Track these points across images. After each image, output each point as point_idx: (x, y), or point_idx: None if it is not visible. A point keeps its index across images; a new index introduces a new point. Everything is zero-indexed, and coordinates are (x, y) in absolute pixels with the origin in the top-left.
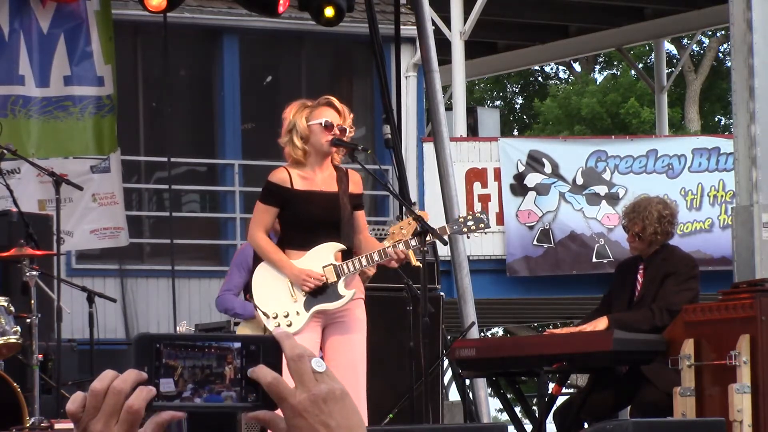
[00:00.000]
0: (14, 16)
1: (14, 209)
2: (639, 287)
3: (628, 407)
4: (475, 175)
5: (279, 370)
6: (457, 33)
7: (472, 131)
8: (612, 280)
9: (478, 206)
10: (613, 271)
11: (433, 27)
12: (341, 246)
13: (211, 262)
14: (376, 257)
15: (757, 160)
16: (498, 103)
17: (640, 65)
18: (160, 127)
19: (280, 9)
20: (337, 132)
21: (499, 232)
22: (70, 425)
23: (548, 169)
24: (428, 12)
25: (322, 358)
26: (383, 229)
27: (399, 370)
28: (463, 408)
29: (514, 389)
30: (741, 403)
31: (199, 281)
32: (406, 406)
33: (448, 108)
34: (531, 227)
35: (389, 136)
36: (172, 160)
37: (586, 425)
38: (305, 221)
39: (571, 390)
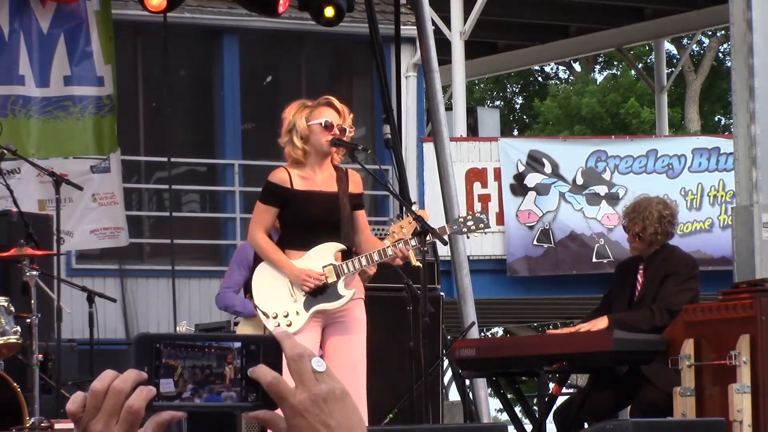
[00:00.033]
0: (14, 16)
1: (14, 209)
2: (639, 287)
3: (628, 407)
4: (475, 175)
5: (279, 370)
6: (457, 33)
7: (472, 131)
8: (612, 280)
9: (478, 206)
10: (613, 271)
11: (433, 27)
12: (341, 246)
13: (211, 262)
14: (375, 257)
15: (757, 160)
16: (498, 103)
17: (640, 65)
18: (160, 127)
19: (280, 9)
20: (337, 132)
21: (499, 232)
22: (70, 425)
23: (548, 169)
24: (428, 12)
25: (321, 357)
26: (383, 229)
27: (399, 370)
28: (463, 408)
29: (514, 389)
30: (741, 403)
31: (199, 281)
32: (406, 406)
33: (448, 108)
34: (531, 227)
35: (389, 136)
36: (172, 160)
37: (586, 425)
38: (305, 221)
39: (571, 390)
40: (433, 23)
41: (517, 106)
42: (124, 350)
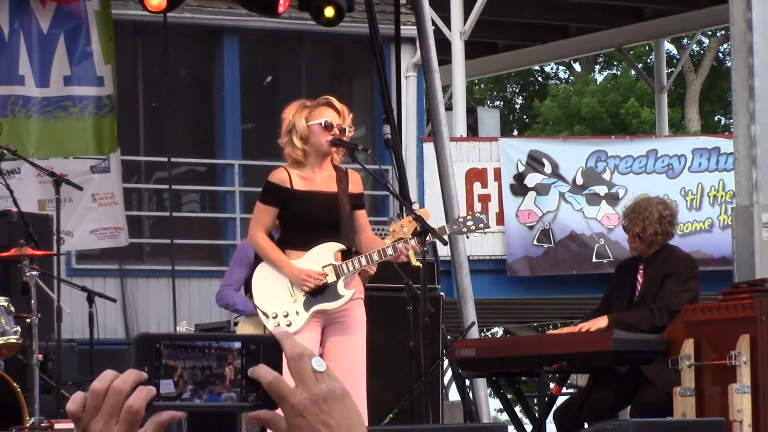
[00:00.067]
0: (14, 16)
1: (14, 209)
2: (639, 287)
3: (628, 407)
4: (475, 175)
5: (279, 370)
6: (457, 33)
7: (472, 131)
8: (612, 280)
9: (478, 206)
10: (613, 271)
11: (433, 27)
12: (341, 246)
13: (211, 262)
14: (375, 257)
15: (757, 160)
16: (498, 103)
17: (640, 65)
18: (160, 127)
19: (280, 9)
20: (337, 132)
21: (499, 232)
22: (70, 425)
23: (548, 169)
24: (428, 12)
25: (321, 356)
26: (383, 229)
27: (399, 370)
28: (463, 408)
29: (514, 389)
30: (741, 403)
31: (199, 281)
32: (406, 406)
33: (448, 108)
34: (531, 227)
35: (389, 136)
36: (172, 160)
37: (586, 425)
38: (305, 221)
39: (571, 390)
40: (433, 23)
41: (517, 106)
42: (124, 350)
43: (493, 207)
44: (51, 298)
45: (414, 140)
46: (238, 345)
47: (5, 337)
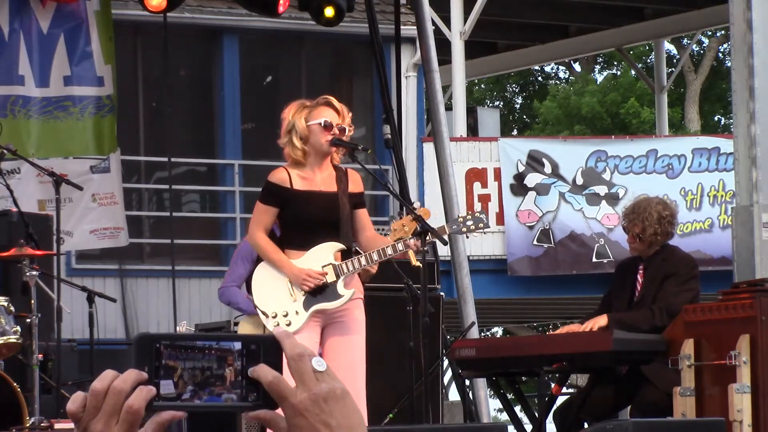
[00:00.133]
0: (14, 16)
1: (14, 209)
2: (639, 287)
3: (628, 407)
4: (475, 175)
5: (280, 370)
6: (457, 33)
7: (472, 131)
8: (612, 280)
9: (478, 206)
10: (613, 271)
11: (433, 27)
12: (341, 246)
13: (211, 262)
14: (375, 257)
15: (757, 160)
16: (498, 103)
17: (640, 65)
18: (160, 127)
19: (280, 9)
20: (337, 132)
21: (499, 232)
22: (70, 425)
23: (548, 169)
24: (428, 12)
25: (320, 356)
26: (382, 229)
27: (399, 370)
28: (463, 408)
29: (514, 389)
30: (741, 403)
31: (199, 281)
32: (406, 406)
33: (448, 108)
34: (531, 227)
35: (389, 136)
36: (172, 160)
37: (586, 425)
38: (305, 221)
39: (571, 390)
40: (433, 23)
41: (517, 106)
42: (124, 350)
43: (493, 207)
44: (51, 298)
45: (414, 140)
46: (238, 345)
47: (5, 337)
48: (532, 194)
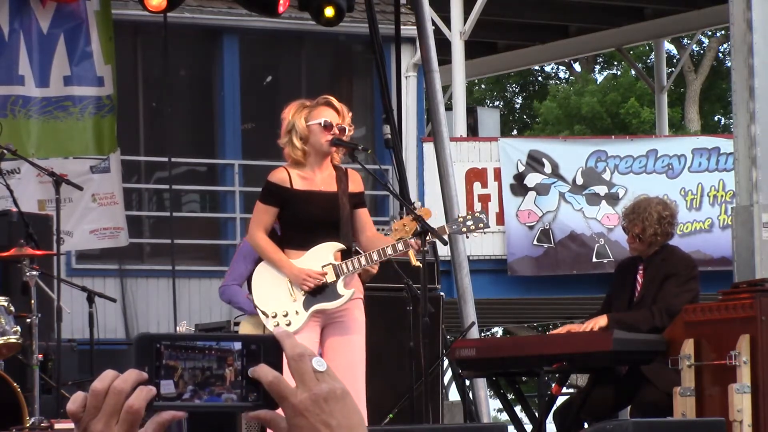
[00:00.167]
0: (14, 16)
1: (14, 209)
2: (639, 288)
3: (628, 407)
4: (475, 175)
5: (280, 370)
6: (457, 33)
7: (472, 131)
8: (612, 280)
9: (478, 206)
10: (613, 271)
11: (433, 27)
12: (340, 246)
13: (211, 262)
14: (375, 256)
15: (757, 160)
16: (498, 103)
17: (640, 65)
18: (160, 127)
19: (280, 9)
20: (337, 131)
21: (499, 232)
22: (71, 425)
23: (548, 169)
24: (428, 12)
25: (320, 355)
26: (382, 229)
27: (399, 370)
28: (463, 408)
29: (514, 389)
30: (741, 403)
31: (199, 281)
32: (406, 406)
33: (448, 108)
34: (531, 227)
35: (389, 136)
36: (172, 160)
37: (586, 425)
38: (305, 221)
39: (571, 390)
40: (433, 23)
41: (517, 106)
42: (124, 350)
43: (493, 207)
44: (51, 298)
45: (414, 140)
46: (238, 345)
47: (5, 337)
48: (532, 194)
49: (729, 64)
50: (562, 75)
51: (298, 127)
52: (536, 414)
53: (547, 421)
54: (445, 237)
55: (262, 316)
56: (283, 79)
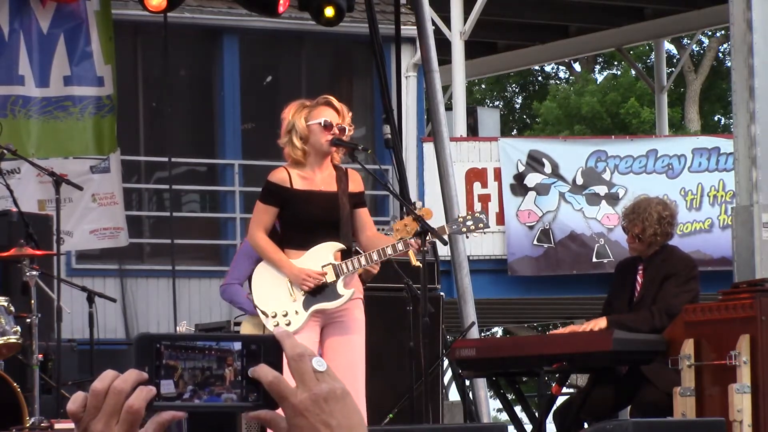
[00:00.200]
0: (14, 16)
1: (14, 209)
2: (638, 288)
3: (628, 407)
4: (475, 175)
5: (280, 370)
6: (457, 33)
7: (472, 131)
8: (612, 280)
9: (478, 206)
10: (613, 271)
11: (433, 27)
12: (340, 245)
13: (211, 262)
14: (374, 256)
15: (757, 160)
16: (498, 103)
17: (640, 65)
18: (160, 127)
19: (280, 9)
20: (337, 131)
21: (499, 232)
22: (71, 425)
23: (548, 169)
24: (428, 12)
25: (320, 355)
26: (382, 229)
27: (399, 370)
28: (463, 408)
29: (514, 389)
30: (741, 403)
31: (199, 281)
32: (406, 406)
33: (448, 108)
34: (531, 227)
35: (389, 136)
36: (172, 160)
37: (586, 425)
38: (305, 221)
39: (571, 390)
40: (433, 23)
41: (517, 106)
42: (124, 350)
43: (493, 207)
44: (51, 298)
45: (414, 140)
46: (238, 345)
47: (5, 337)
48: (532, 194)
49: (729, 64)
50: (562, 75)
51: (298, 127)
52: (536, 414)
53: (547, 421)
54: (445, 237)
55: (261, 316)
56: (283, 79)
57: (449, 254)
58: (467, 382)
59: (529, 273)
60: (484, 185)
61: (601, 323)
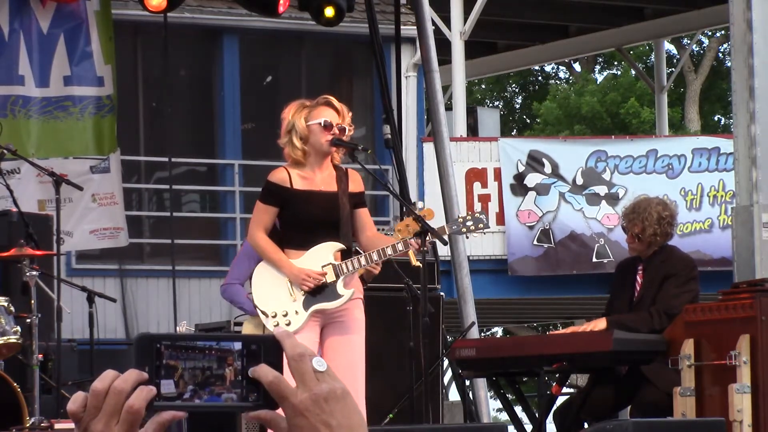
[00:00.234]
0: (14, 16)
1: (14, 209)
2: (638, 288)
3: (628, 407)
4: (475, 175)
5: (280, 370)
6: (457, 33)
7: (472, 131)
8: (612, 280)
9: (478, 206)
10: (613, 271)
11: (433, 27)
12: (340, 245)
13: (211, 262)
14: (374, 256)
15: (757, 160)
16: (498, 103)
17: (640, 65)
18: (160, 127)
19: (280, 9)
20: (337, 131)
21: (499, 232)
22: (71, 425)
23: (548, 169)
24: (428, 12)
25: (320, 355)
26: (382, 229)
27: (399, 370)
28: (463, 408)
29: (514, 389)
30: (741, 403)
31: (199, 281)
32: (406, 406)
33: (448, 108)
34: (531, 227)
35: (389, 136)
36: (172, 160)
37: (586, 425)
38: (305, 221)
39: (571, 390)
40: (433, 23)
41: (517, 106)
42: (124, 350)
43: (493, 207)
44: (51, 298)
45: (414, 140)
46: (238, 345)
47: (5, 337)
48: (532, 194)
49: (729, 64)
50: (562, 75)
51: (298, 127)
52: (536, 414)
53: (547, 421)
54: (445, 237)
55: (261, 316)
56: (283, 79)
57: (449, 254)
58: (467, 382)
59: (529, 273)
60: (484, 185)
61: (600, 324)
